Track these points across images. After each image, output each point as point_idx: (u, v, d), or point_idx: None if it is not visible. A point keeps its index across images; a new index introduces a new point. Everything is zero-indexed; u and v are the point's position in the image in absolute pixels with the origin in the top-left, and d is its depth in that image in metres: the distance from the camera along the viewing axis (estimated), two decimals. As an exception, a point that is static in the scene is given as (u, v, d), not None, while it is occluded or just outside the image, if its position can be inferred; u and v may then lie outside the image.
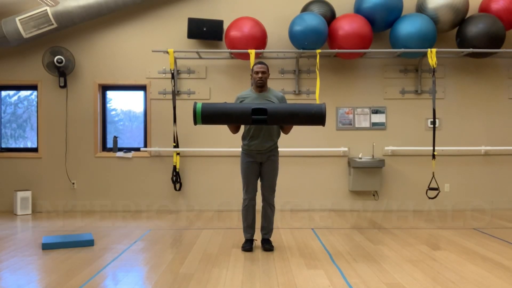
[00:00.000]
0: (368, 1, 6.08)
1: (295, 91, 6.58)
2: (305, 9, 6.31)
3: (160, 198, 6.62)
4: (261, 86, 4.15)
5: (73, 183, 6.65)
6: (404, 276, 3.42)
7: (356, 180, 6.41)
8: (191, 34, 6.36)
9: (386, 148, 6.59)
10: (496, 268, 3.60)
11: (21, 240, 4.74)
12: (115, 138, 6.75)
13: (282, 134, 4.28)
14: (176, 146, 6.42)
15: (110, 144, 6.88)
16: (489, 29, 5.95)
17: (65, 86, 6.57)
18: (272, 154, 4.18)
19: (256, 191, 4.25)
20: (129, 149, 6.75)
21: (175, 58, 6.37)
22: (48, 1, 5.62)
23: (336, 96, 6.63)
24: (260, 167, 4.20)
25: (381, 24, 6.21)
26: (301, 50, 6.12)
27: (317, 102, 6.07)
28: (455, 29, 6.33)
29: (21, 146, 7.00)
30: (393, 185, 6.60)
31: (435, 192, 5.94)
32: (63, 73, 6.49)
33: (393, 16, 6.14)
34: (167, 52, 6.18)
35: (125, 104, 7.04)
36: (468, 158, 6.63)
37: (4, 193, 6.61)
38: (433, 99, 6.02)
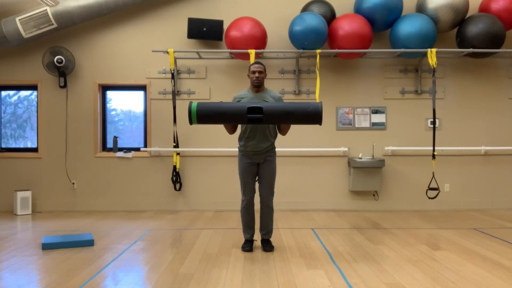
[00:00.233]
0: (368, 1, 6.08)
1: (295, 91, 6.58)
2: (305, 9, 6.31)
3: (160, 198, 6.62)
4: (258, 86, 4.11)
5: (73, 183, 6.65)
6: (404, 276, 3.42)
7: (356, 180, 6.41)
8: (191, 34, 6.37)
9: (386, 148, 6.59)
10: (496, 268, 3.60)
11: (21, 240, 4.74)
12: (115, 138, 6.75)
13: (280, 135, 4.26)
14: (176, 146, 6.42)
15: (110, 144, 6.88)
16: (489, 29, 5.95)
17: (65, 86, 6.57)
18: (269, 154, 4.15)
19: (254, 192, 4.23)
20: (129, 149, 6.75)
21: (175, 58, 6.37)
22: (48, 1, 5.62)
23: (336, 96, 6.63)
24: (257, 168, 4.18)
25: (381, 24, 6.21)
26: (301, 50, 6.12)
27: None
28: (455, 29, 6.33)
29: (21, 146, 7.00)
30: (393, 185, 6.60)
31: (435, 192, 5.94)
32: (63, 73, 6.50)
33: (393, 16, 6.14)
34: (167, 52, 6.18)
35: (125, 104, 7.04)
36: (468, 158, 6.64)
37: (4, 193, 6.61)
38: (433, 99, 6.02)
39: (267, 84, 6.29)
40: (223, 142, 6.42)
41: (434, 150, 6.03)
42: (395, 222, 5.66)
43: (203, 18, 6.39)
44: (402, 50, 6.06)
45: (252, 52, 5.92)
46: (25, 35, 6.12)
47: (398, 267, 3.64)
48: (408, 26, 5.98)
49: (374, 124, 6.65)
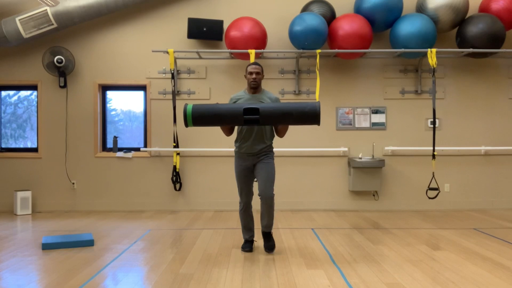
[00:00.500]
0: (368, 1, 6.08)
1: (295, 91, 6.58)
2: (305, 9, 6.31)
3: (160, 198, 6.62)
4: (254, 87, 4.03)
5: (73, 183, 6.65)
6: (404, 276, 3.42)
7: (356, 180, 6.41)
8: (191, 34, 6.37)
9: (386, 148, 6.59)
10: (496, 268, 3.60)
11: (21, 240, 4.74)
12: (115, 138, 6.75)
13: (278, 138, 4.17)
14: (176, 146, 6.42)
15: (110, 144, 6.88)
16: (489, 29, 5.95)
17: (65, 86, 6.57)
18: (264, 156, 4.03)
19: (252, 195, 4.16)
20: (129, 149, 6.75)
21: (175, 58, 6.37)
22: (48, 1, 5.61)
23: (336, 96, 6.63)
24: (253, 170, 4.08)
25: (381, 24, 6.21)
26: (301, 50, 6.12)
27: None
28: (455, 29, 6.33)
29: (21, 146, 7.00)
30: (393, 185, 6.60)
31: (435, 192, 5.94)
32: (63, 73, 6.50)
33: (393, 16, 6.14)
34: (167, 52, 6.18)
35: (125, 104, 7.04)
36: (468, 158, 6.64)
37: (4, 193, 6.61)
38: (433, 99, 6.02)
39: (268, 84, 6.32)
40: (223, 142, 6.42)
41: (434, 150, 6.03)
42: (395, 222, 5.66)
43: (203, 18, 6.39)
44: (402, 50, 6.06)
45: (252, 52, 5.92)
46: (25, 35, 6.12)
47: (398, 267, 3.64)
48: (408, 26, 5.98)
49: (374, 124, 6.65)
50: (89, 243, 4.43)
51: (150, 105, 6.67)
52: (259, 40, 6.12)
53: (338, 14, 6.34)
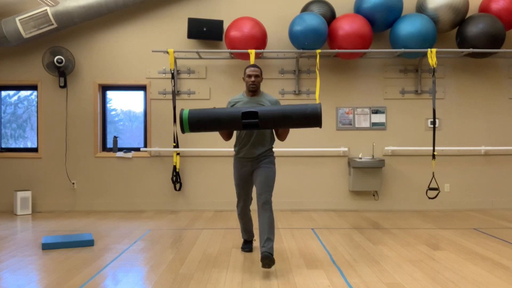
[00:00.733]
0: (368, 1, 6.08)
1: (295, 91, 6.58)
2: (305, 9, 6.31)
3: (160, 198, 6.62)
4: (253, 90, 3.85)
5: (73, 183, 6.65)
6: (404, 276, 3.42)
7: (356, 180, 6.41)
8: (191, 34, 6.36)
9: (386, 148, 6.59)
10: (496, 268, 3.60)
11: (21, 240, 4.74)
12: (115, 138, 6.75)
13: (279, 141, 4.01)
14: (176, 146, 6.42)
15: (110, 144, 6.88)
16: (489, 29, 5.95)
17: (65, 86, 6.57)
18: (264, 160, 3.81)
19: (250, 200, 4.03)
20: (129, 149, 6.75)
21: (175, 58, 6.37)
22: (48, 1, 5.62)
23: (336, 96, 6.63)
24: (252, 175, 3.88)
25: (381, 24, 6.21)
26: (301, 50, 6.12)
27: (317, 101, 6.07)
28: (455, 29, 6.33)
29: (21, 146, 7.00)
30: (393, 185, 6.60)
31: (435, 192, 5.94)
32: (63, 73, 6.50)
33: (393, 16, 6.14)
34: (167, 52, 6.18)
35: (125, 104, 7.04)
36: (468, 158, 6.63)
37: (4, 193, 6.61)
38: (433, 99, 6.02)
39: (268, 84, 6.32)
40: (223, 142, 6.39)
41: (434, 150, 6.03)
42: (395, 222, 5.66)
43: (203, 18, 6.39)
44: (402, 50, 6.05)
45: (252, 52, 5.92)
46: (25, 35, 6.12)
47: (398, 267, 3.64)
48: (408, 26, 5.98)
49: (374, 124, 6.65)
50: (89, 243, 4.43)
51: (150, 105, 6.67)
52: (259, 40, 6.12)
53: (338, 14, 6.34)
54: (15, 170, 6.66)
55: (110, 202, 6.64)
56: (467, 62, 6.62)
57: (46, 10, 6.06)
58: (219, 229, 5.23)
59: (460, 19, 6.19)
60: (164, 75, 6.64)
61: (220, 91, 6.61)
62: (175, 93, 6.41)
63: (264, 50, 6.21)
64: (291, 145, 6.40)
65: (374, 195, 6.60)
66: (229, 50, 6.14)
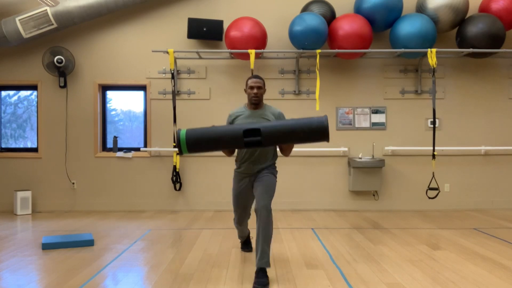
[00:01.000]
0: (368, 1, 6.08)
1: (295, 91, 6.58)
2: (305, 9, 6.31)
3: (160, 198, 6.62)
4: (256, 103, 3.61)
5: (73, 183, 6.65)
6: (404, 276, 3.42)
7: (356, 180, 6.41)
8: (191, 34, 6.37)
9: (386, 148, 6.59)
10: (496, 268, 3.60)
11: (21, 240, 4.74)
12: (115, 138, 6.75)
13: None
14: (176, 146, 6.41)
15: (110, 144, 6.88)
16: (489, 29, 5.95)
17: (65, 86, 6.57)
18: (265, 171, 3.60)
19: (248, 216, 3.89)
20: (129, 149, 6.75)
21: (175, 58, 6.37)
22: (48, 1, 5.62)
23: (336, 96, 6.63)
24: (251, 188, 3.66)
25: (381, 24, 6.21)
26: (301, 50, 6.12)
27: (317, 101, 6.07)
28: (455, 29, 6.33)
29: (21, 146, 7.00)
30: (393, 185, 6.60)
31: (435, 192, 5.94)
32: (63, 73, 6.50)
33: (393, 16, 6.14)
34: (167, 52, 6.18)
35: (125, 104, 7.04)
36: (468, 158, 6.64)
37: (4, 193, 6.61)
38: (433, 99, 6.02)
39: (268, 84, 6.29)
40: (223, 142, 6.41)
41: (434, 150, 6.03)
42: (395, 222, 5.66)
43: (203, 18, 6.39)
44: (402, 50, 6.06)
45: (252, 52, 5.92)
46: (25, 35, 6.12)
47: (398, 267, 3.64)
48: (408, 26, 5.98)
49: (374, 124, 6.65)
50: (89, 243, 4.43)
51: (150, 105, 6.67)
52: (259, 40, 6.12)
53: (338, 14, 6.34)
54: (15, 170, 6.66)
55: (110, 202, 6.64)
56: (467, 62, 6.62)
57: (46, 10, 6.06)
58: (219, 229, 5.23)
59: (460, 19, 6.19)
60: (164, 75, 6.64)
61: (220, 91, 6.61)
62: (175, 93, 6.41)
63: (264, 50, 6.21)
64: (291, 145, 6.40)
65: (374, 195, 6.60)
66: (229, 50, 6.14)
